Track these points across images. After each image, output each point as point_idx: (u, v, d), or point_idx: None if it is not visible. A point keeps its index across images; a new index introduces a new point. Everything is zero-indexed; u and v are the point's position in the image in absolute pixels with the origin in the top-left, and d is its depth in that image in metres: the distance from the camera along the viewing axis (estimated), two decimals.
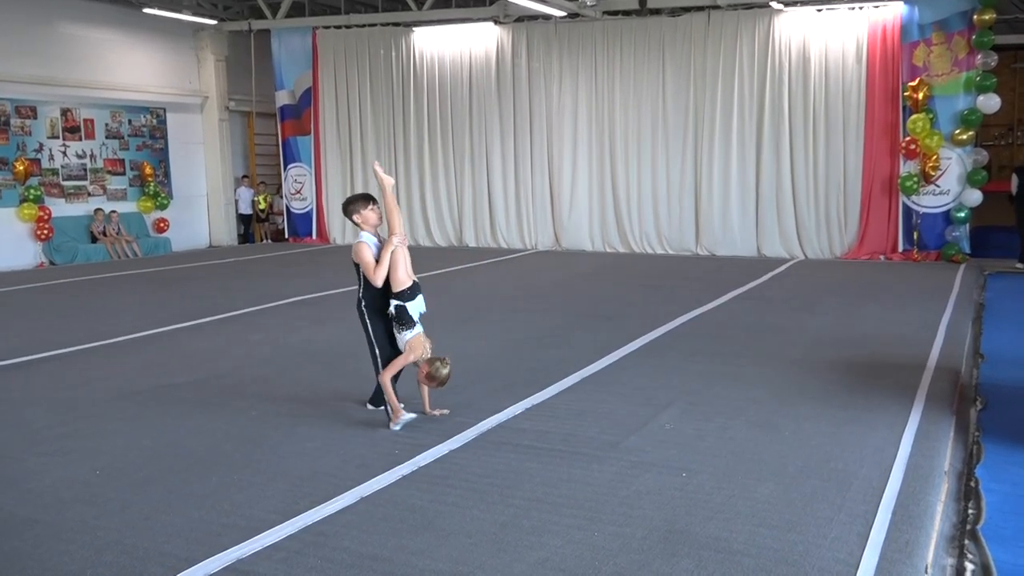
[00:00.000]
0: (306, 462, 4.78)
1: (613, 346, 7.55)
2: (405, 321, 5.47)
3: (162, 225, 17.83)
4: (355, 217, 5.63)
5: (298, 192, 19.08)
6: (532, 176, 16.52)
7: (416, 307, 5.52)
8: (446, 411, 5.62)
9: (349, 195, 5.96)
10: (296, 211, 19.17)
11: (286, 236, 19.45)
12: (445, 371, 5.38)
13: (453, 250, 16.74)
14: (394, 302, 5.46)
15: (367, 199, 5.66)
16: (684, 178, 15.27)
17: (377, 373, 5.51)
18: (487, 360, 7.17)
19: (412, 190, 17.64)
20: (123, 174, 17.30)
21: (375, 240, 5.65)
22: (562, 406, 5.76)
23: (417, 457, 4.81)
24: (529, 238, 16.68)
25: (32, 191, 15.31)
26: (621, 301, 10.15)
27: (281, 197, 19.67)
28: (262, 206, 19.51)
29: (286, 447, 5.05)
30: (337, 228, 18.84)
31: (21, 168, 15.23)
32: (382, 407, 5.60)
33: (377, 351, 5.53)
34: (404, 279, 5.54)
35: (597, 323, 8.74)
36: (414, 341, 5.44)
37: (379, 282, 5.42)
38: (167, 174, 18.19)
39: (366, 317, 5.56)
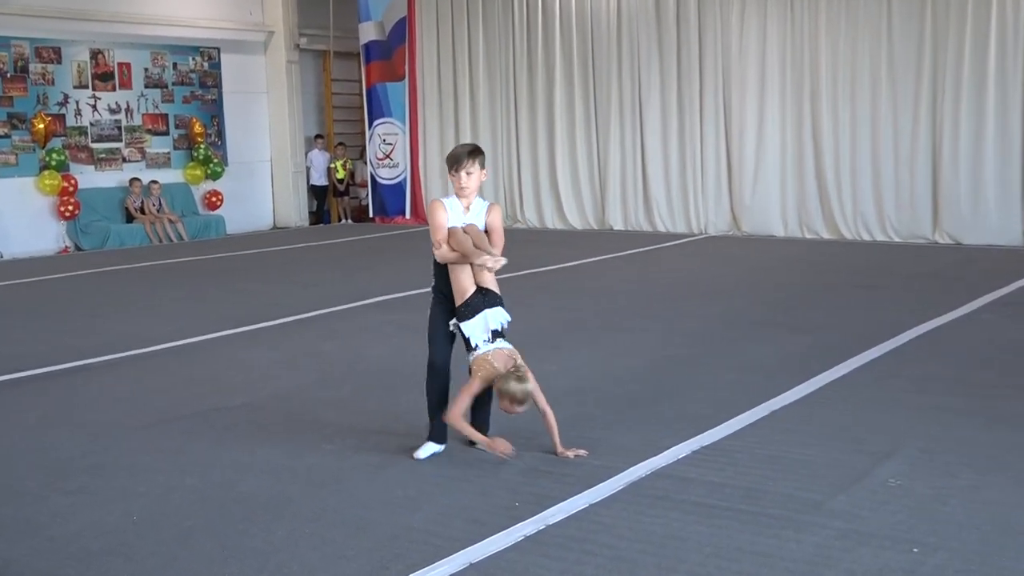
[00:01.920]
0: (397, 514, 4.85)
1: (812, 368, 7.43)
2: (467, 343, 5.61)
3: (214, 200, 18.57)
4: (450, 178, 5.78)
5: (387, 157, 19.52)
6: (702, 137, 16.38)
7: (479, 327, 5.60)
8: (583, 452, 5.62)
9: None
10: (384, 182, 19.62)
11: (371, 215, 19.94)
12: (514, 386, 5.41)
13: (592, 235, 16.77)
14: (452, 320, 5.67)
15: (454, 160, 5.78)
16: (917, 139, 14.78)
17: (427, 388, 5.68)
18: (638, 384, 7.18)
19: (538, 155, 17.80)
20: (166, 134, 18.12)
21: (463, 207, 5.78)
22: (742, 449, 5.67)
23: (545, 512, 4.80)
24: (697, 219, 16.56)
25: (55, 156, 16.20)
26: (823, 306, 9.97)
27: (365, 163, 20.16)
28: (340, 175, 20.06)
29: (371, 493, 5.13)
30: None
31: (41, 126, 16.13)
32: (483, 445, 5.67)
33: (430, 354, 5.68)
34: (468, 286, 5.69)
35: (788, 336, 8.61)
36: (477, 362, 5.54)
37: (438, 256, 5.70)
38: (221, 134, 18.94)
39: (432, 304, 5.76)
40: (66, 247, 16.58)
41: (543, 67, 17.68)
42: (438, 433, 5.72)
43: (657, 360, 7.91)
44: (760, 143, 15.89)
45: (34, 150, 16.22)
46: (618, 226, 17.26)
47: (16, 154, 16.08)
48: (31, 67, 16.26)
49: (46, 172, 16.17)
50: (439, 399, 5.69)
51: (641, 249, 14.82)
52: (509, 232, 17.91)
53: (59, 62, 16.54)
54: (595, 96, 17.28)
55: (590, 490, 5.07)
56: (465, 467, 5.50)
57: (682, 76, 16.46)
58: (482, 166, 5.81)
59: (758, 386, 7.03)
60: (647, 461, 5.49)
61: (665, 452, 5.63)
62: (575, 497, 4.98)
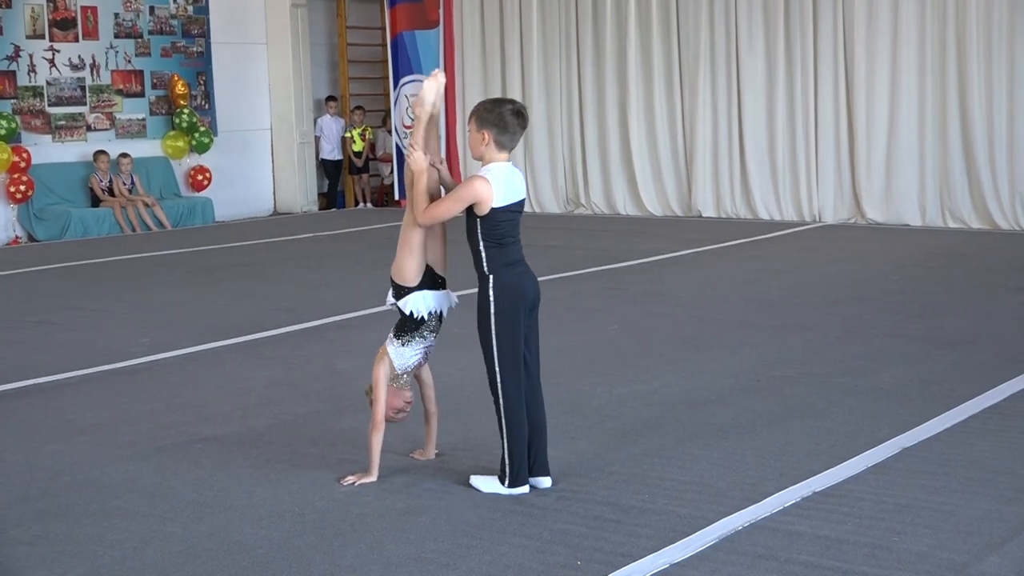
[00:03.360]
0: (429, 573, 4.90)
1: (956, 394, 7.38)
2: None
3: (200, 179, 18.76)
4: None
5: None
6: (816, 104, 16.35)
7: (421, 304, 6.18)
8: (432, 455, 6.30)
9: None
10: None
11: (396, 197, 20.03)
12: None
13: (676, 223, 16.75)
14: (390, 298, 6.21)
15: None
16: None
17: (495, 392, 5.84)
18: (732, 412, 7.18)
19: (606, 124, 17.86)
20: (141, 95, 18.33)
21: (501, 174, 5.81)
22: (865, 496, 5.66)
23: (615, 574, 4.83)
24: (809, 204, 16.53)
25: (3, 123, 16.41)
26: (972, 314, 9.90)
27: (389, 132, 20.28)
28: (358, 147, 20.20)
29: (396, 546, 5.18)
30: None
31: None
32: (506, 484, 5.81)
33: (495, 354, 5.85)
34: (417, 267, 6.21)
35: (926, 352, 8.55)
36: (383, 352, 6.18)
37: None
38: (209, 96, 19.13)
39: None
40: (16, 237, 16.83)
41: (612, 11, 17.69)
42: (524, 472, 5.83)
43: (757, 381, 7.87)
44: (893, 110, 15.80)
45: None
46: (708, 212, 17.22)
47: None
48: None
49: None
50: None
51: (738, 241, 14.79)
52: (569, 219, 17.93)
53: (8, 6, 16.79)
54: (679, 48, 17.26)
55: (672, 546, 5.08)
56: (513, 514, 5.53)
57: (790, 28, 16.40)
58: (478, 127, 5.86)
59: (886, 415, 6.97)
60: (745, 510, 5.48)
61: (768, 499, 5.62)
62: (653, 555, 4.99)
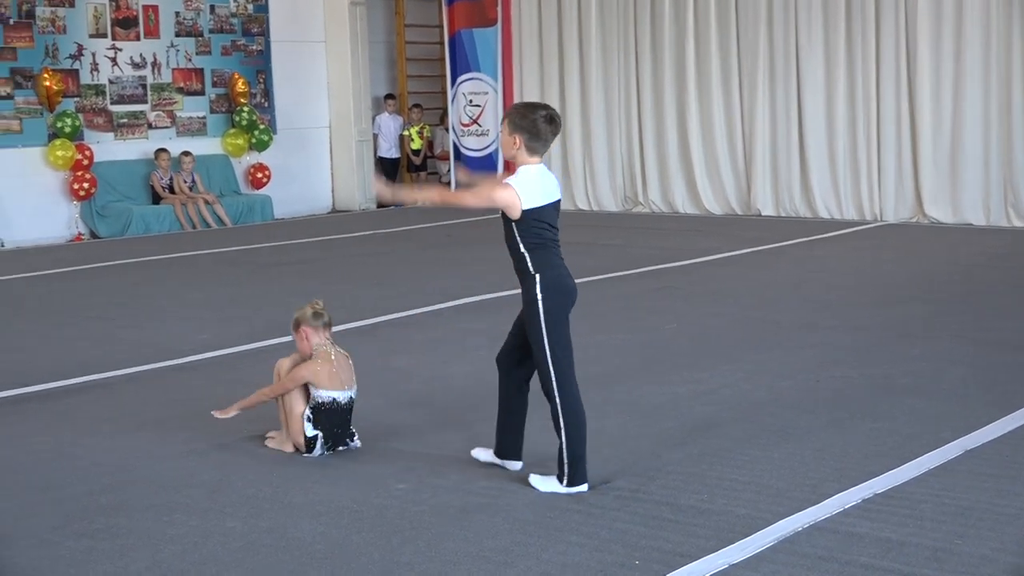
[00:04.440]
0: (487, 571, 4.90)
1: (1021, 396, 7.32)
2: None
3: (260, 176, 18.89)
4: None
5: (474, 122, 19.68)
6: (878, 101, 16.22)
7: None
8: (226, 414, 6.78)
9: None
10: (470, 153, 19.77)
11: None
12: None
13: (735, 221, 16.69)
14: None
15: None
16: None
17: (550, 391, 5.87)
18: (790, 412, 7.15)
19: (664, 122, 17.82)
20: (201, 93, 18.48)
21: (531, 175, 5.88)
22: (927, 498, 5.62)
23: (672, 574, 4.83)
24: (870, 203, 16.43)
25: (66, 121, 16.60)
26: None
27: (447, 130, 20.33)
28: (416, 145, 20.27)
29: (454, 544, 5.19)
30: None
31: (50, 84, 16.55)
32: (564, 483, 5.85)
33: (547, 353, 5.88)
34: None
35: (989, 354, 8.48)
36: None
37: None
38: (268, 94, 19.25)
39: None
40: (79, 234, 17.01)
41: (671, 9, 17.64)
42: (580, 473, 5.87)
43: (816, 382, 7.84)
44: (956, 106, 15.64)
45: (42, 114, 16.67)
46: (768, 211, 17.14)
47: (20, 119, 16.54)
48: (38, 11, 16.71)
49: (56, 142, 16.59)
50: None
51: (797, 240, 14.71)
52: (627, 217, 17.93)
53: (72, 5, 16.97)
54: (738, 46, 17.18)
55: (730, 547, 5.07)
56: (570, 513, 5.54)
57: (852, 19, 16.28)
58: (510, 130, 5.88)
59: (948, 417, 6.92)
60: (804, 511, 5.45)
61: (827, 500, 5.59)
62: (711, 555, 4.98)
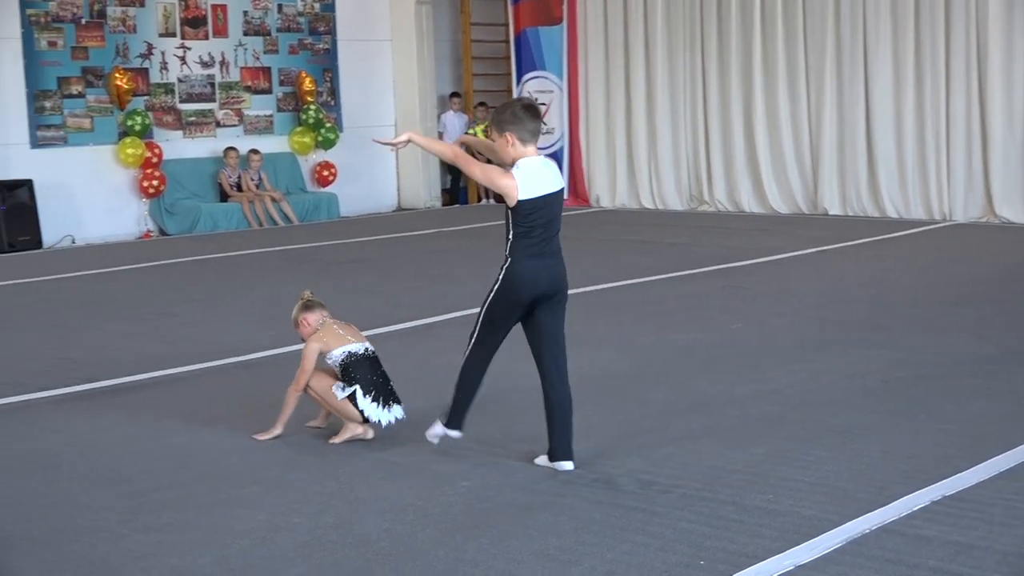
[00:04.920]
0: (551, 570, 4.90)
1: None
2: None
3: (326, 174, 19.00)
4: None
5: None
6: (947, 100, 16.09)
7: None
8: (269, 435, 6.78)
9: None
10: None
11: None
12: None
13: (801, 221, 16.59)
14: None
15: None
16: None
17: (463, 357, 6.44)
18: (857, 413, 7.11)
19: (731, 120, 17.75)
20: (268, 92, 18.62)
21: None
22: (996, 501, 5.56)
23: (739, 575, 4.81)
24: (939, 202, 16.30)
25: (136, 119, 16.79)
26: None
27: None
28: None
29: (518, 542, 5.19)
30: (602, 180, 19.26)
31: (121, 83, 16.74)
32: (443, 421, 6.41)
33: (476, 325, 6.37)
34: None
35: None
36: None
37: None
38: (335, 92, 19.37)
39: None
40: (148, 231, 17.19)
41: (738, 7, 17.56)
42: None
43: (884, 382, 7.79)
44: None
45: (112, 112, 16.86)
46: (835, 210, 17.02)
47: (91, 117, 16.76)
48: (109, 11, 16.90)
49: (127, 139, 16.78)
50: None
51: (864, 240, 14.60)
52: (692, 216, 17.90)
53: (142, 5, 17.16)
54: (806, 44, 17.07)
55: (797, 548, 5.04)
56: (635, 512, 5.53)
57: (920, 17, 16.13)
58: (499, 132, 6.17)
59: (1019, 419, 6.85)
60: (872, 513, 5.41)
61: (895, 502, 5.54)
62: (777, 556, 4.96)
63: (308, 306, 6.97)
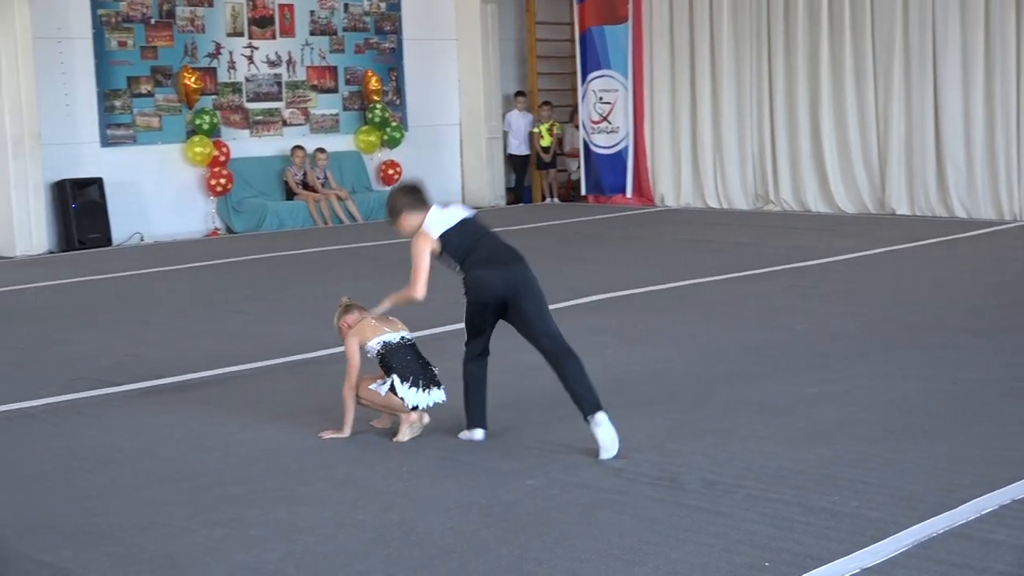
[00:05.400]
0: (615, 569, 4.89)
1: None
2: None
3: (391, 173, 19.09)
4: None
5: (604, 119, 19.66)
6: (1018, 98, 15.97)
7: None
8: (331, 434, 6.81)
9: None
10: (600, 151, 19.77)
11: (583, 192, 20.09)
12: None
13: (868, 221, 16.48)
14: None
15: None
16: None
17: None
18: (926, 415, 7.04)
19: (797, 119, 17.65)
20: (335, 91, 18.73)
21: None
22: None
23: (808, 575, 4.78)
24: (1009, 202, 16.17)
25: (204, 118, 16.94)
26: None
27: (576, 127, 20.33)
28: (546, 142, 20.29)
29: (582, 540, 5.19)
30: (667, 179, 19.19)
31: (189, 82, 16.90)
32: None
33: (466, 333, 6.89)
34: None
35: None
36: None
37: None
38: (400, 91, 19.46)
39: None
40: (215, 229, 17.34)
41: (805, 5, 17.44)
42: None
43: (953, 384, 7.71)
44: None
45: (181, 111, 17.03)
46: (903, 210, 16.86)
47: (160, 116, 16.93)
48: (178, 11, 17.07)
49: (195, 138, 16.94)
50: None
51: (933, 240, 14.46)
52: (758, 215, 17.85)
53: (210, 5, 17.31)
54: (874, 42, 16.93)
55: (863, 551, 4.99)
56: (699, 512, 5.50)
57: (990, 14, 15.95)
58: (394, 220, 6.94)
59: None
60: (940, 516, 5.35)
61: (964, 505, 5.48)
62: (843, 559, 4.92)
63: (347, 309, 7.04)
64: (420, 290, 6.76)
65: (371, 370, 6.91)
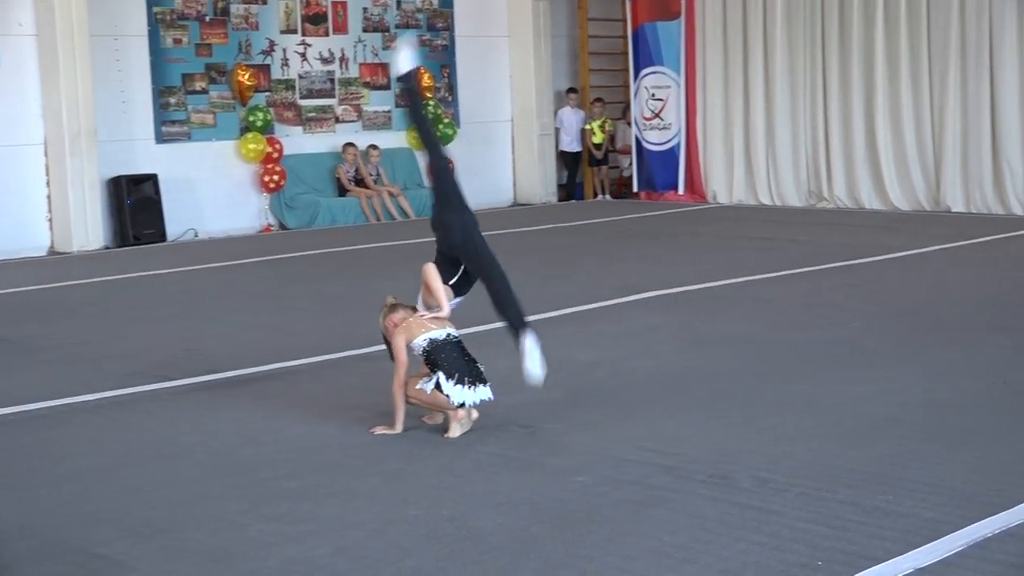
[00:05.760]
0: (666, 566, 4.88)
1: None
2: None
3: None
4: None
5: (656, 116, 19.62)
6: None
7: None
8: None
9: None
10: (652, 147, 19.73)
11: (635, 189, 20.06)
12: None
13: (922, 218, 16.37)
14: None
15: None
16: None
17: None
18: (979, 414, 6.99)
19: (851, 116, 17.59)
20: (387, 88, 18.77)
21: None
22: None
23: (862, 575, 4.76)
24: None
25: (258, 115, 17.05)
26: None
27: (628, 124, 20.30)
28: (598, 139, 20.27)
29: (633, 538, 5.18)
30: (719, 175, 19.11)
31: (243, 79, 17.01)
32: None
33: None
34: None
35: None
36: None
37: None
38: (452, 88, 19.48)
39: None
40: (268, 225, 17.43)
41: (860, 3, 17.31)
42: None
43: (1004, 383, 7.63)
44: None
45: (234, 108, 17.14)
46: (958, 207, 16.72)
47: (214, 113, 17.04)
48: (233, 8, 17.18)
49: (248, 135, 17.05)
50: None
51: (988, 238, 14.34)
52: (811, 213, 17.75)
53: (264, 2, 17.42)
54: (929, 38, 16.80)
55: (917, 550, 4.96)
56: (751, 511, 5.48)
57: None
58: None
59: None
60: (994, 516, 5.30)
61: (1019, 506, 5.43)
62: (897, 559, 4.88)
63: (393, 308, 7.07)
64: (446, 308, 7.10)
65: (420, 368, 6.93)
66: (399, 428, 6.88)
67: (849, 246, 13.80)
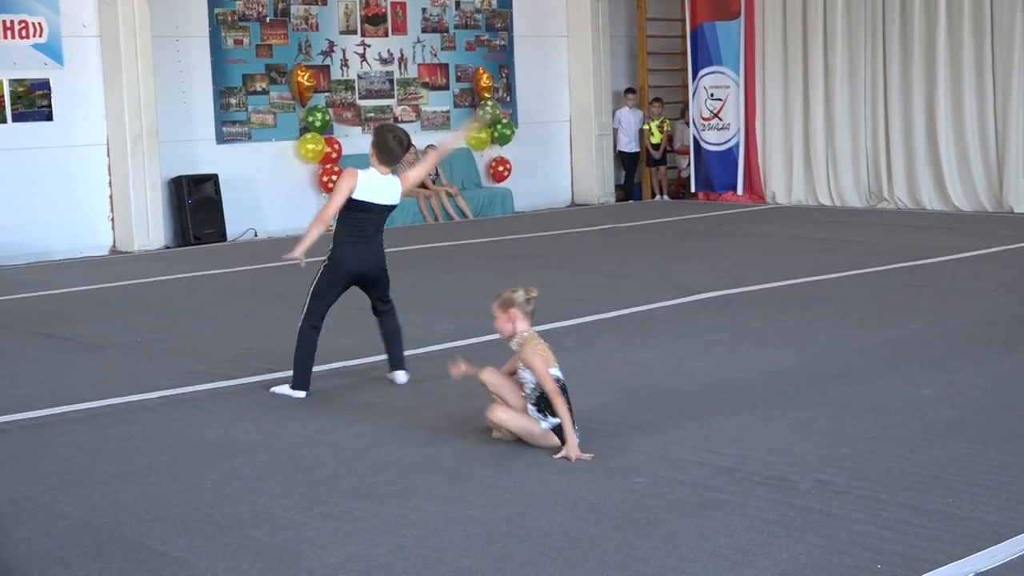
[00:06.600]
0: (723, 569, 4.87)
1: None
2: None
3: (501, 170, 19.18)
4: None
5: (715, 116, 19.56)
6: None
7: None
8: (586, 456, 6.33)
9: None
10: (711, 147, 19.68)
11: (693, 189, 20.01)
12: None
13: (985, 219, 16.24)
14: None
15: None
16: None
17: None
18: None
19: (912, 116, 17.48)
20: (446, 88, 18.85)
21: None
22: None
23: None
24: None
25: (317, 115, 17.16)
26: None
27: (687, 124, 20.25)
28: (656, 139, 20.25)
29: (690, 540, 5.19)
30: (779, 176, 19.02)
31: (303, 80, 17.13)
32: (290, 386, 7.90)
33: (308, 294, 8.09)
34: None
35: None
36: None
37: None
38: (511, 88, 19.53)
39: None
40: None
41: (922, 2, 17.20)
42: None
43: None
44: None
45: (294, 109, 17.26)
46: (1021, 208, 16.57)
47: (274, 113, 17.18)
48: (293, 9, 17.30)
49: (307, 135, 17.16)
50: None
51: None
52: (872, 213, 17.64)
53: (324, 3, 17.53)
54: (993, 37, 16.64)
55: (978, 554, 4.93)
56: (809, 512, 5.46)
57: None
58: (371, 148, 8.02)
59: None
60: None
61: None
62: (957, 563, 4.86)
63: (528, 304, 6.70)
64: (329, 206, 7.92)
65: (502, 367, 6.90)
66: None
67: (910, 247, 13.70)
